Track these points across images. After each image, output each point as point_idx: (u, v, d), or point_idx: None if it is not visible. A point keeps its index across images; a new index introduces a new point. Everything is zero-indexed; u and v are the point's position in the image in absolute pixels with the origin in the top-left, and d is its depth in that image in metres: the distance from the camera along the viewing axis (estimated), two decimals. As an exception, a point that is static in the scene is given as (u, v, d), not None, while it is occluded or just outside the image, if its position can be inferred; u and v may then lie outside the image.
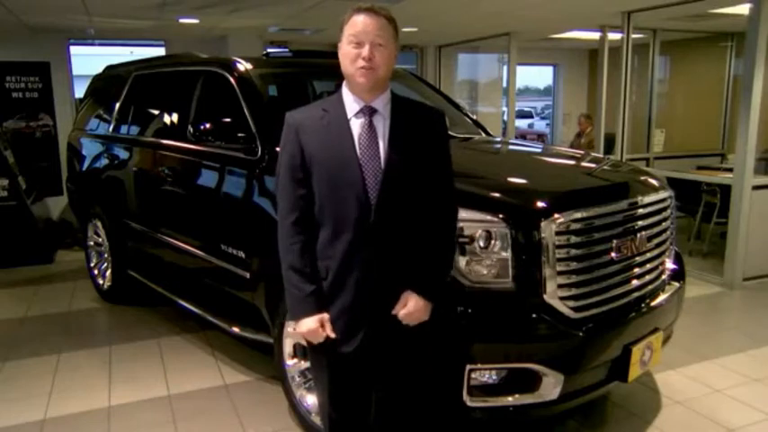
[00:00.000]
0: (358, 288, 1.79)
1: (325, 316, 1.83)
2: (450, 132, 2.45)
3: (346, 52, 1.78)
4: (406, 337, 1.87)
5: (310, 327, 1.82)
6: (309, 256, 1.83)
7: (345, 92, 1.85)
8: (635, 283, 2.61)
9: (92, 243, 4.94)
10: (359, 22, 1.76)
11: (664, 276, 2.85)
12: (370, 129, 1.81)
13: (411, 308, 1.82)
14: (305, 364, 2.78)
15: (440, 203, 1.89)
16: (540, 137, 14.65)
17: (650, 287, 2.71)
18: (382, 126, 1.82)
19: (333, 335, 1.82)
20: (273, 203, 2.83)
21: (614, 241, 2.49)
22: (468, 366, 2.28)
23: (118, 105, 4.59)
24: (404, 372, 1.94)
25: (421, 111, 1.95)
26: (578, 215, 2.39)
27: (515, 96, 8.03)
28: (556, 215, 2.34)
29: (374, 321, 1.82)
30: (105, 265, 4.76)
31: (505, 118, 8.93)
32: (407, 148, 1.81)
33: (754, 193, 4.96)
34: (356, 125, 1.81)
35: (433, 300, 1.86)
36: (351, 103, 1.83)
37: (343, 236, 1.79)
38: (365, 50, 1.75)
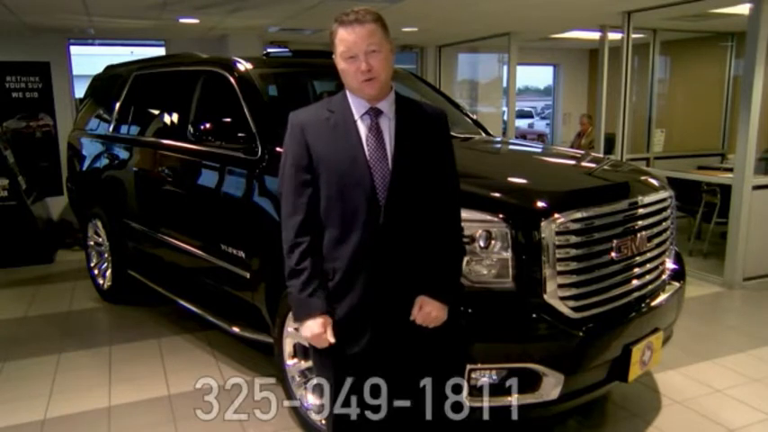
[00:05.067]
0: (365, 289, 1.79)
1: (329, 320, 1.80)
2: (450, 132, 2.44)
3: (344, 69, 1.78)
4: (412, 339, 1.87)
5: (314, 330, 1.79)
6: (314, 258, 1.81)
7: (350, 93, 1.85)
8: (635, 283, 2.61)
9: (92, 243, 4.94)
10: (347, 37, 1.74)
11: (664, 276, 2.85)
12: (377, 130, 1.81)
13: (427, 310, 1.81)
14: (305, 364, 2.78)
15: (446, 205, 1.89)
16: (540, 137, 14.63)
17: (650, 287, 2.71)
18: (388, 127, 1.82)
19: (333, 340, 1.80)
20: (273, 203, 2.83)
21: (614, 241, 2.49)
22: (469, 366, 2.28)
23: (118, 105, 4.59)
24: (408, 371, 1.92)
25: (424, 111, 1.95)
26: (578, 215, 2.39)
27: (515, 96, 8.03)
28: (556, 215, 2.34)
29: (381, 323, 1.82)
30: (105, 265, 4.76)
31: (505, 118, 8.92)
32: (413, 148, 1.82)
33: (754, 193, 4.96)
34: (363, 126, 1.82)
35: (447, 302, 1.85)
36: (356, 105, 1.83)
37: (351, 237, 1.78)
38: (362, 63, 1.74)
